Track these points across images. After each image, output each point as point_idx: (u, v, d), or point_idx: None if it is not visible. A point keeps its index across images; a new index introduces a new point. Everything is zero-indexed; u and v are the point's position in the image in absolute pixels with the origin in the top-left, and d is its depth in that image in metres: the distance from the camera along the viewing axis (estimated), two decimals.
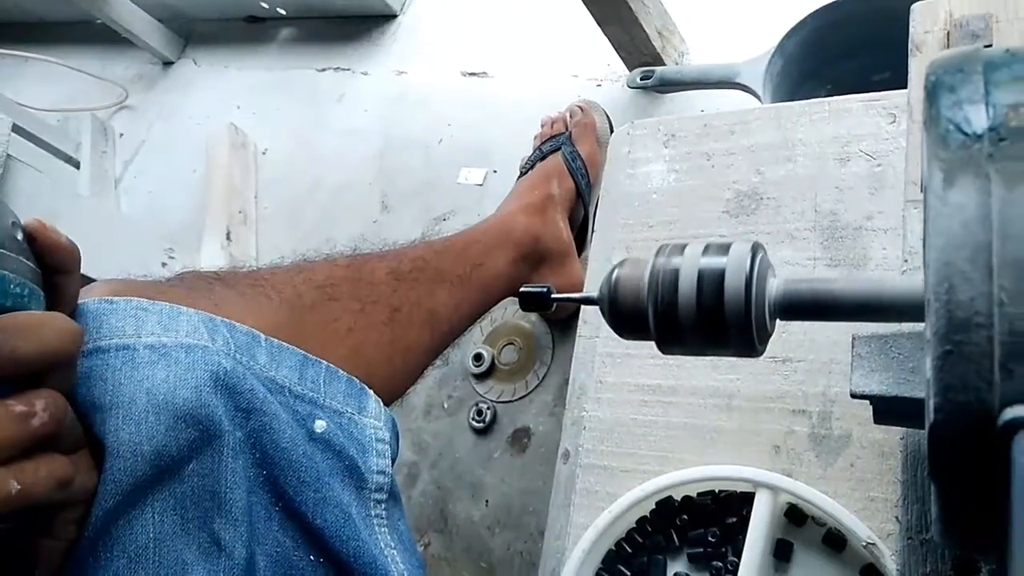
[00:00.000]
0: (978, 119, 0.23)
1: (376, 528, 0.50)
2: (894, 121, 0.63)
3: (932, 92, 0.25)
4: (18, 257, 0.37)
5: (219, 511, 0.43)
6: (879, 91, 0.65)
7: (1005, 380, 0.21)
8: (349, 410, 0.52)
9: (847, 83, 0.90)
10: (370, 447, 0.52)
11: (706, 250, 0.32)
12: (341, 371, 0.53)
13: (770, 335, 0.33)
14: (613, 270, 0.35)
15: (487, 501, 0.98)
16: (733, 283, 0.31)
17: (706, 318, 0.32)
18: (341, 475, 0.49)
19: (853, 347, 0.34)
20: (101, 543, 0.40)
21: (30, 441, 0.34)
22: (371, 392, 0.54)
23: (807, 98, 0.69)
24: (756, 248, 0.32)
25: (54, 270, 0.40)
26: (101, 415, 0.41)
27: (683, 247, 0.33)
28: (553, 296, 0.37)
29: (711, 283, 0.31)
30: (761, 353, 0.33)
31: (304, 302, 0.58)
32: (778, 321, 0.33)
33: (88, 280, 0.48)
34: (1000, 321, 0.21)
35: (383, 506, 0.51)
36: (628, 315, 0.34)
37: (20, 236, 0.38)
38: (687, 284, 0.32)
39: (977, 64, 0.24)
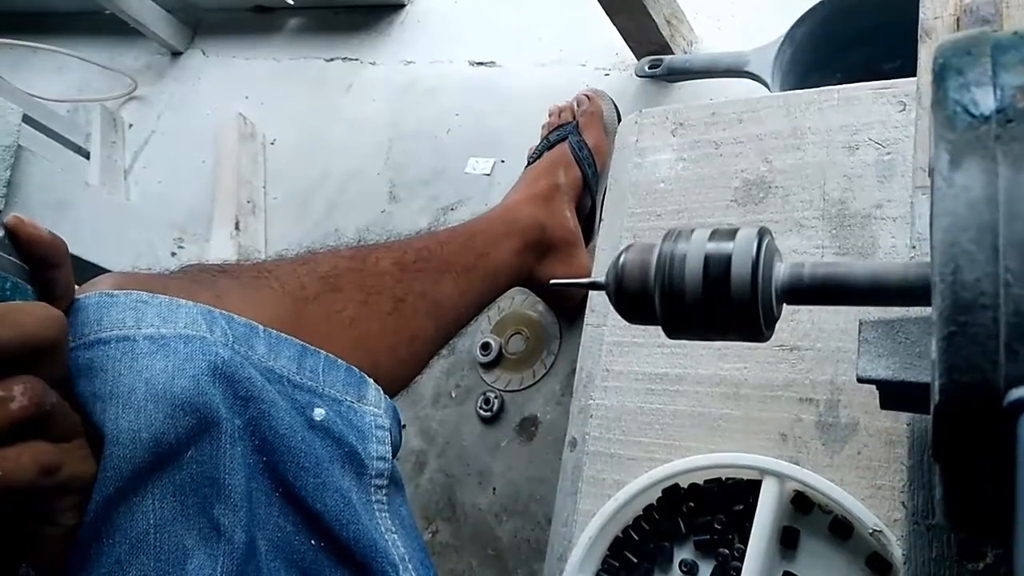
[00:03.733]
0: (985, 101, 0.23)
1: (376, 513, 0.50)
2: (903, 109, 0.62)
3: (940, 74, 0.25)
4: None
5: (218, 497, 0.43)
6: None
7: (1010, 361, 0.21)
8: (348, 398, 0.52)
9: (857, 72, 0.89)
10: (370, 434, 0.52)
11: (713, 235, 0.32)
12: (340, 360, 0.53)
13: (776, 319, 0.33)
14: (620, 254, 0.35)
15: (494, 489, 0.99)
16: (740, 267, 0.31)
17: (713, 302, 0.32)
18: (341, 461, 0.49)
19: (860, 332, 0.34)
20: (103, 529, 0.41)
21: (8, 425, 0.35)
22: (371, 380, 0.55)
23: (816, 87, 0.69)
24: (763, 233, 0.32)
25: (41, 264, 0.40)
26: (101, 404, 0.41)
27: (690, 232, 0.33)
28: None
29: (718, 267, 0.31)
30: (768, 338, 0.33)
31: (307, 293, 0.58)
32: (785, 306, 0.33)
33: (100, 271, 0.48)
34: (1006, 302, 0.21)
35: (384, 491, 0.52)
36: (635, 299, 0.34)
37: (1, 233, 0.38)
38: (694, 268, 0.32)
39: (985, 46, 0.24)
